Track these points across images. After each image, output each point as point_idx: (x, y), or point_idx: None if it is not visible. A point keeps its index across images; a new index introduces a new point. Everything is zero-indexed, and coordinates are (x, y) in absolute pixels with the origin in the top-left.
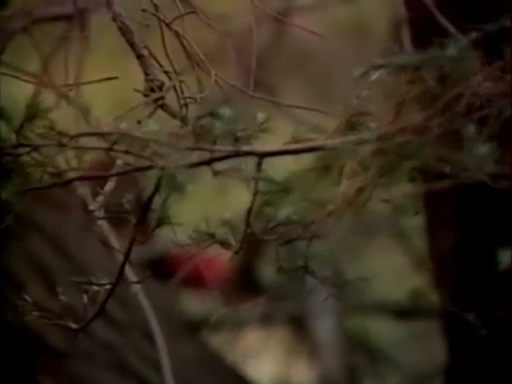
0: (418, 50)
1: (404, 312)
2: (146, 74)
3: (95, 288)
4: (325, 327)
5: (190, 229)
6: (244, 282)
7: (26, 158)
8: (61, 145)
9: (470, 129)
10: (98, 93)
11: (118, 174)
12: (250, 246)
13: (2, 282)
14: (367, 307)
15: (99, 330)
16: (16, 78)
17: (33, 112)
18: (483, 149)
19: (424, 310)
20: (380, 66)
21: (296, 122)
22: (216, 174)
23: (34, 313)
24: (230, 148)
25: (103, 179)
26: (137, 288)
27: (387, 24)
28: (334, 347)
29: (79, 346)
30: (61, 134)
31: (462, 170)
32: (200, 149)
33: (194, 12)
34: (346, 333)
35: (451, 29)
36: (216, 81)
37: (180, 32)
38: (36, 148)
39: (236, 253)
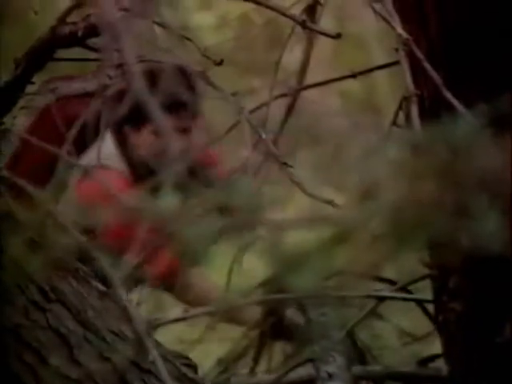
0: (426, 124)
1: (412, 378)
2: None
3: (117, 357)
4: None
5: None
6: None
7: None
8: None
9: (482, 201)
10: None
11: (139, 250)
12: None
13: (24, 350)
14: (377, 373)
15: None
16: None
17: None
18: (495, 221)
19: (432, 376)
20: (390, 141)
21: (310, 195)
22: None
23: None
24: (247, 219)
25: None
26: (155, 356)
27: (397, 99)
28: None
29: None
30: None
31: (473, 241)
32: (218, 221)
33: (214, 89)
34: None
35: (459, 106)
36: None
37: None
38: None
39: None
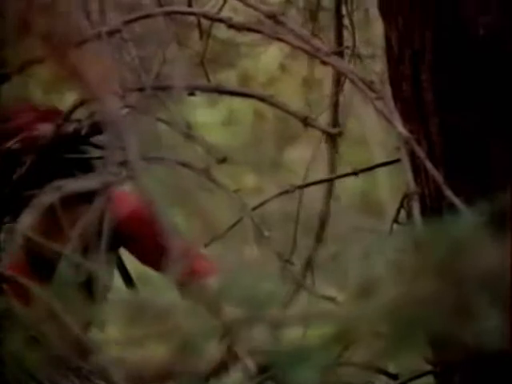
0: (427, 222)
1: None
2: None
3: None
4: None
5: None
6: None
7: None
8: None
9: (483, 299)
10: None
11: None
12: None
13: None
14: None
15: None
16: None
17: None
18: (495, 319)
19: None
20: (391, 238)
21: (311, 292)
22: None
23: None
24: (245, 316)
25: None
26: None
27: (398, 196)
28: None
29: None
30: None
31: (475, 339)
32: (218, 315)
33: (217, 186)
34: None
35: (459, 203)
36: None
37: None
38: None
39: None
